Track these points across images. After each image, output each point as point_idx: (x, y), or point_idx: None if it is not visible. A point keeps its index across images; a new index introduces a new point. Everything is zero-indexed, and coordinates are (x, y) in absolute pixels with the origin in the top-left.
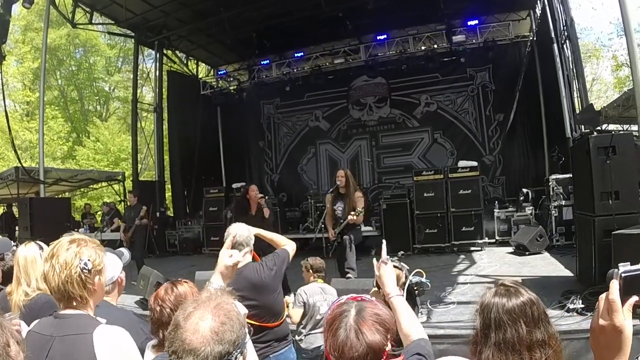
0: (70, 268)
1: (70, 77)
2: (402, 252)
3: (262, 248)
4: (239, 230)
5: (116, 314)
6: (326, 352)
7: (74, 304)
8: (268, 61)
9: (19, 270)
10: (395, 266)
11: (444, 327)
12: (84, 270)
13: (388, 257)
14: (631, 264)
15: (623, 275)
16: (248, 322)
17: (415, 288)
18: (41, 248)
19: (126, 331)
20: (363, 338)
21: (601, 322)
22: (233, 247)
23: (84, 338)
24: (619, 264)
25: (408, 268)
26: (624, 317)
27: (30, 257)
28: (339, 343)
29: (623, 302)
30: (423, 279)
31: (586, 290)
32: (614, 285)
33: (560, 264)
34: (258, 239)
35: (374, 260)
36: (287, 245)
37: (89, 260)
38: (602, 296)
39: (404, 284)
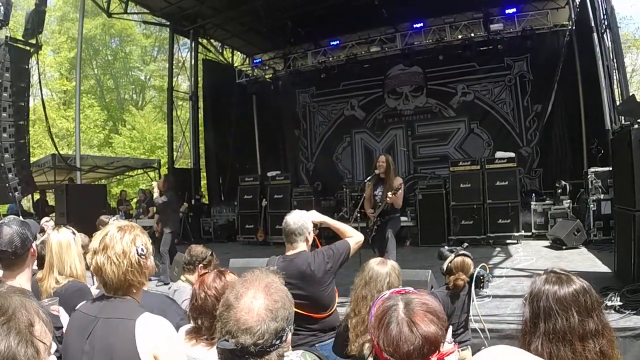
0: (130, 257)
1: (106, 67)
2: (466, 243)
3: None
4: (294, 219)
5: (149, 298)
6: (377, 350)
7: (134, 290)
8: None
9: (52, 256)
10: (465, 254)
11: (478, 321)
12: (142, 256)
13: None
14: None
15: None
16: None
17: (482, 279)
18: (74, 233)
19: (170, 323)
20: (417, 330)
21: None
22: (286, 236)
23: (126, 323)
24: None
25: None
26: None
27: (64, 242)
28: (392, 337)
29: None
30: (487, 273)
31: (624, 288)
32: None
33: (597, 259)
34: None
35: None
36: (353, 237)
37: (142, 245)
38: None
39: (472, 274)
